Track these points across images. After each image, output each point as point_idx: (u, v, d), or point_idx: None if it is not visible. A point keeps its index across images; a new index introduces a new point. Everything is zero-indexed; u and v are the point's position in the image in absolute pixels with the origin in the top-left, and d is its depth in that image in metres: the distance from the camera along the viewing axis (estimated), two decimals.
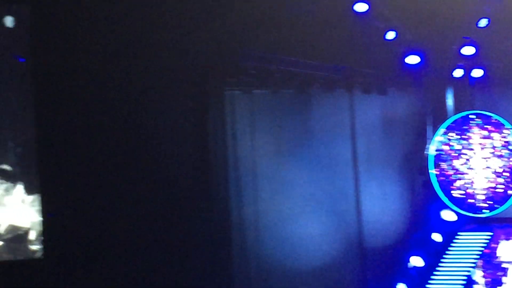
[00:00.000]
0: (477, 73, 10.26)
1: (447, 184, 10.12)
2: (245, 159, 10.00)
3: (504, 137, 10.08)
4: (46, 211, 9.46)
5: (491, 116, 10.15)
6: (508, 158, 10.05)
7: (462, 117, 10.23)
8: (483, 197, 10.07)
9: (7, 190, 9.41)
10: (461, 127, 10.18)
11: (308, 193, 10.32)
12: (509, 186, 10.03)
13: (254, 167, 10.04)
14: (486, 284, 9.78)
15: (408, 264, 10.10)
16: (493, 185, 10.06)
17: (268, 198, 10.14)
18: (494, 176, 10.06)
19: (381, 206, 10.50)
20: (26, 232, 9.43)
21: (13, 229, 9.40)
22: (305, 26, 9.93)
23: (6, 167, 9.42)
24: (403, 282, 10.08)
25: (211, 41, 9.80)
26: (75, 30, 9.54)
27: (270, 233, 10.13)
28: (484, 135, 10.12)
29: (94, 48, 9.58)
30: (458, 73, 10.30)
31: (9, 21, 9.45)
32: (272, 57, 9.91)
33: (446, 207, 10.13)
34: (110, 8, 9.58)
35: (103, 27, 9.58)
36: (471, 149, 10.13)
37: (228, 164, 10.00)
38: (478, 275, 9.82)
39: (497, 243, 9.99)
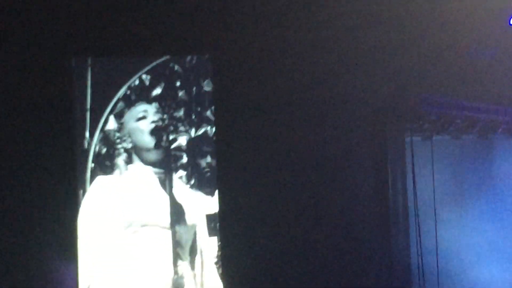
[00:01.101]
0: None
1: None
2: (425, 206, 9.82)
3: None
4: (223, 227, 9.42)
5: None
6: None
7: None
8: None
9: None
10: None
11: (490, 242, 10.05)
12: None
13: (434, 214, 9.82)
14: None
15: None
16: None
17: (449, 246, 9.92)
18: None
19: None
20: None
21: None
22: (487, 69, 9.75)
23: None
24: None
25: (391, 85, 9.75)
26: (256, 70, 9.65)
27: (451, 282, 9.90)
28: None
29: (274, 82, 9.63)
30: None
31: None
32: (453, 102, 9.75)
33: None
34: (285, 50, 9.64)
35: (284, 66, 9.64)
36: None
37: (408, 211, 9.86)
38: None
39: None
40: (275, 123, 9.66)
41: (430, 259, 9.75)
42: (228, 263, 9.40)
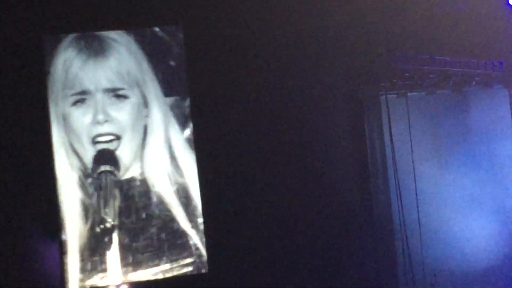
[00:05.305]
0: None
1: None
2: (403, 162, 9.88)
3: None
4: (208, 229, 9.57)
5: None
6: None
7: None
8: None
9: None
10: None
11: (469, 194, 10.11)
12: None
13: (412, 170, 9.88)
14: None
15: None
16: None
17: (428, 200, 9.99)
18: None
19: None
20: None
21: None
22: (457, 23, 9.79)
23: None
24: None
25: (365, 44, 9.79)
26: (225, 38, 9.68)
27: (433, 236, 9.98)
28: None
29: (247, 54, 9.71)
30: None
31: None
32: (426, 58, 9.77)
33: None
34: (261, 16, 9.69)
35: (254, 34, 9.71)
36: None
37: (386, 167, 9.94)
38: None
39: None
40: (254, 88, 9.73)
41: (411, 214, 9.83)
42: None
